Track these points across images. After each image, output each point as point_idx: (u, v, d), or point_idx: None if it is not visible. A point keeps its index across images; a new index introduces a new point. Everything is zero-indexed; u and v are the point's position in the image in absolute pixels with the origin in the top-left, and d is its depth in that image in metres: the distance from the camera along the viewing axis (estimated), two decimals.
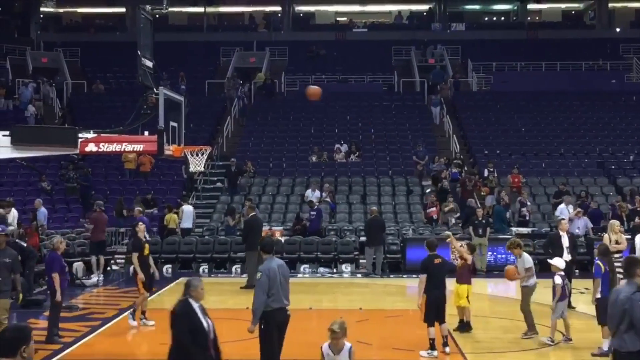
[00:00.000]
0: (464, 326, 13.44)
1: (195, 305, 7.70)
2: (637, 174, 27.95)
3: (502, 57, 38.67)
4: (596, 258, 12.29)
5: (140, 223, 15.28)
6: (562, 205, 23.07)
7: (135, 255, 14.32)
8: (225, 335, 10.46)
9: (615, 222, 16.29)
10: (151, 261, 14.69)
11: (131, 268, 15.19)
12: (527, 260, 13.26)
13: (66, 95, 36.09)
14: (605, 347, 11.67)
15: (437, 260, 12.13)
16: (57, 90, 35.71)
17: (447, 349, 11.99)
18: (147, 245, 14.52)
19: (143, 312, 14.39)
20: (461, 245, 13.97)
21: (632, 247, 15.77)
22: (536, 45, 40.44)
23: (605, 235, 15.96)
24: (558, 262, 13.10)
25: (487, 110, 33.97)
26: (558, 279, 12.70)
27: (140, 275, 14.21)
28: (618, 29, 44.09)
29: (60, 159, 27.97)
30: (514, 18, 48.46)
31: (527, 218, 24.41)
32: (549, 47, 39.58)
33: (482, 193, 25.64)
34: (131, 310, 14.54)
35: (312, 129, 32.78)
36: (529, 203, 24.91)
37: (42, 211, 22.09)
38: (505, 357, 12.20)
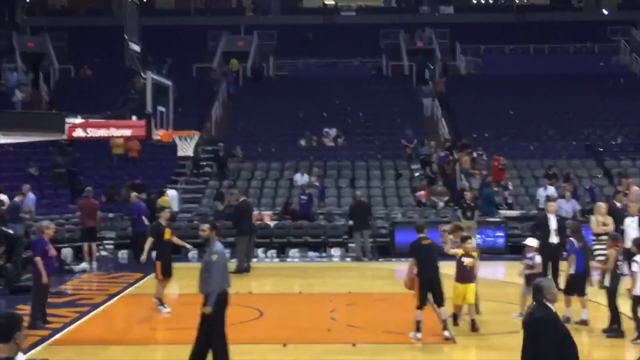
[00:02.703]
0: (473, 323, 12.67)
1: (555, 311, 6.85)
2: (625, 156, 28.06)
3: (490, 40, 38.63)
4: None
5: (167, 211, 15.47)
6: (541, 189, 23.29)
7: (150, 240, 14.36)
8: None
9: (601, 204, 16.41)
10: (178, 241, 15.00)
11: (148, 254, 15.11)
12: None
13: (53, 80, 35.88)
14: (569, 315, 12.46)
15: (425, 242, 12.16)
16: (45, 75, 35.45)
17: (446, 333, 11.97)
18: (168, 230, 14.57)
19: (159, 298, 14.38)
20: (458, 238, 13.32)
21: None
22: (524, 28, 40.37)
23: (593, 217, 16.07)
24: (531, 242, 13.47)
25: (475, 94, 33.95)
26: (538, 258, 13.16)
27: (143, 258, 14.47)
28: (605, 11, 44.09)
29: (48, 145, 27.79)
30: (502, 1, 48.40)
31: (509, 201, 24.48)
32: (537, 30, 39.54)
33: (476, 177, 25.66)
34: (157, 301, 14.47)
35: (300, 113, 32.72)
36: (511, 187, 24.97)
37: (30, 197, 22.00)
38: (494, 339, 12.29)
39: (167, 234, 14.54)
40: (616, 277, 11.97)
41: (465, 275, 12.57)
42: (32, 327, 12.62)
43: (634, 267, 11.56)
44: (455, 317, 12.87)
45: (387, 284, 17.89)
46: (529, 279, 13.18)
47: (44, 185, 26.36)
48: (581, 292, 12.70)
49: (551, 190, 22.83)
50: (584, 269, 12.62)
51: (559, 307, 12.97)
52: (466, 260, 12.60)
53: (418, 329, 11.90)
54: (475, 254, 12.86)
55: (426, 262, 11.99)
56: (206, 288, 9.79)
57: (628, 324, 11.98)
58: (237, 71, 36.52)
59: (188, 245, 15.47)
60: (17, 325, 5.13)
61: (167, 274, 14.42)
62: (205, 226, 10.12)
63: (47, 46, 38.56)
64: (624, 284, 12.08)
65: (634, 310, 11.68)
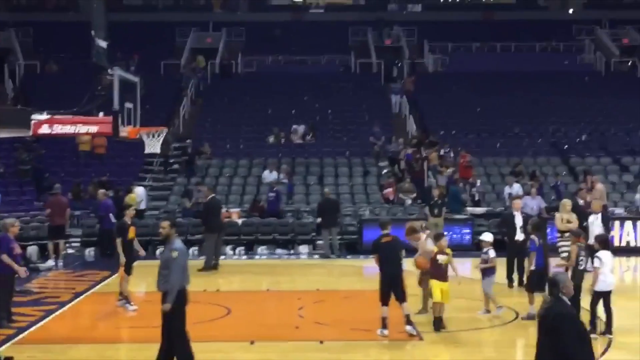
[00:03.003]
0: (438, 323, 12.52)
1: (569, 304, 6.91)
2: (589, 154, 28.41)
3: (457, 38, 38.90)
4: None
5: (132, 209, 15.28)
6: (507, 187, 23.52)
7: (119, 240, 14.25)
8: None
9: (566, 201, 16.63)
10: (136, 243, 14.71)
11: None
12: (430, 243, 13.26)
13: (19, 76, 35.48)
14: (533, 312, 12.55)
15: (385, 239, 12.20)
16: (10, 70, 35.07)
17: (408, 328, 12.05)
18: (132, 229, 14.47)
19: (121, 294, 14.36)
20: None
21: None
22: (491, 27, 40.70)
23: (557, 214, 16.28)
24: (487, 237, 13.63)
25: (443, 91, 34.17)
26: (492, 253, 13.38)
27: (122, 259, 14.19)
28: (571, 10, 44.58)
29: (13, 141, 27.45)
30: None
31: (477, 198, 24.67)
32: (503, 29, 39.86)
33: (444, 174, 25.83)
34: (121, 299, 14.41)
35: (268, 110, 32.69)
36: (478, 183, 25.15)
37: None
38: (461, 335, 12.41)
39: (132, 232, 14.45)
40: (579, 273, 12.14)
41: (439, 272, 12.44)
42: None
43: (596, 262, 11.75)
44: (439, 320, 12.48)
45: (354, 281, 17.98)
46: (485, 273, 13.43)
47: (9, 182, 26.07)
48: (542, 289, 12.89)
49: (516, 188, 23.07)
50: (543, 265, 12.94)
51: (522, 303, 13.26)
52: (441, 258, 12.46)
53: (384, 326, 11.98)
54: (449, 251, 12.67)
55: (387, 259, 12.07)
56: (165, 286, 9.76)
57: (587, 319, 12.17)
58: (203, 68, 36.47)
59: (142, 251, 15.13)
60: None
61: (128, 272, 14.33)
62: (165, 223, 10.09)
63: (12, 41, 38.15)
64: (587, 280, 12.25)
65: (592, 306, 11.87)
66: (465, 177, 25.75)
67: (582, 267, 12.18)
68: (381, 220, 13.36)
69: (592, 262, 11.90)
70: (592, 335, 11.62)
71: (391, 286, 12.04)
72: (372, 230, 21.45)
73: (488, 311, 13.47)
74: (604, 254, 11.85)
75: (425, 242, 13.19)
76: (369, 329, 12.35)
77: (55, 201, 21.00)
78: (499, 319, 13.30)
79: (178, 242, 10.07)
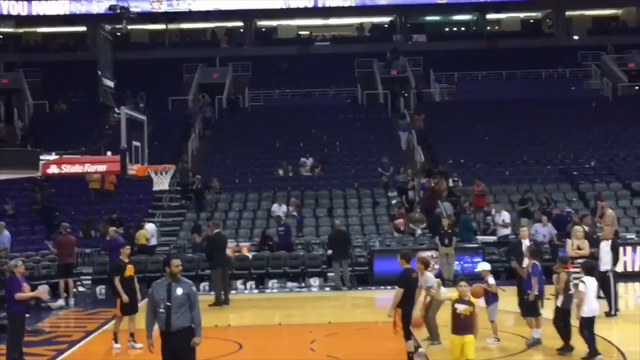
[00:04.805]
0: None
1: None
2: (599, 179, 28.34)
3: (463, 67, 39.06)
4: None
5: (127, 247, 15.01)
6: (497, 214, 23.85)
7: (117, 279, 14.17)
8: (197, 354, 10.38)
9: (578, 228, 16.54)
10: (135, 281, 14.53)
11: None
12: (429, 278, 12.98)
13: (27, 116, 35.78)
14: (537, 336, 12.90)
15: (414, 275, 11.94)
16: (18, 110, 35.41)
17: None
18: (129, 267, 14.37)
19: (131, 334, 14.13)
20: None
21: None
22: (496, 55, 40.91)
23: (569, 241, 16.19)
24: (484, 266, 13.69)
25: (450, 120, 34.24)
26: (491, 280, 13.31)
27: (124, 298, 14.02)
28: (576, 37, 44.76)
29: (23, 181, 27.63)
30: (474, 28, 48.99)
31: (492, 227, 24.57)
32: (509, 56, 40.05)
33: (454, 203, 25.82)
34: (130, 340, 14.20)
35: (277, 143, 32.79)
36: (494, 212, 25.07)
37: (5, 234, 21.81)
38: None
39: (129, 271, 14.31)
40: (569, 298, 12.18)
41: (459, 324, 10.37)
42: None
43: (581, 287, 11.73)
44: None
45: (366, 313, 17.87)
46: (488, 300, 13.31)
47: (20, 222, 26.16)
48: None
49: (505, 215, 23.23)
50: (542, 290, 13.06)
51: (526, 330, 13.13)
52: (460, 307, 10.39)
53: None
54: (474, 300, 10.66)
55: (412, 295, 11.76)
56: (185, 321, 9.66)
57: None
58: (209, 102, 36.74)
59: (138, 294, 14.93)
60: None
61: (131, 310, 14.19)
62: (179, 261, 10.02)
63: (21, 82, 38.54)
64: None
65: (587, 332, 11.75)
66: (480, 205, 25.71)
67: (571, 292, 12.21)
68: (405, 252, 12.25)
69: (577, 286, 11.87)
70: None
71: (409, 322, 11.85)
72: (383, 260, 21.47)
73: (497, 339, 13.32)
74: (589, 280, 11.86)
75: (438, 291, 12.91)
76: None
77: (63, 240, 20.99)
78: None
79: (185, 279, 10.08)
